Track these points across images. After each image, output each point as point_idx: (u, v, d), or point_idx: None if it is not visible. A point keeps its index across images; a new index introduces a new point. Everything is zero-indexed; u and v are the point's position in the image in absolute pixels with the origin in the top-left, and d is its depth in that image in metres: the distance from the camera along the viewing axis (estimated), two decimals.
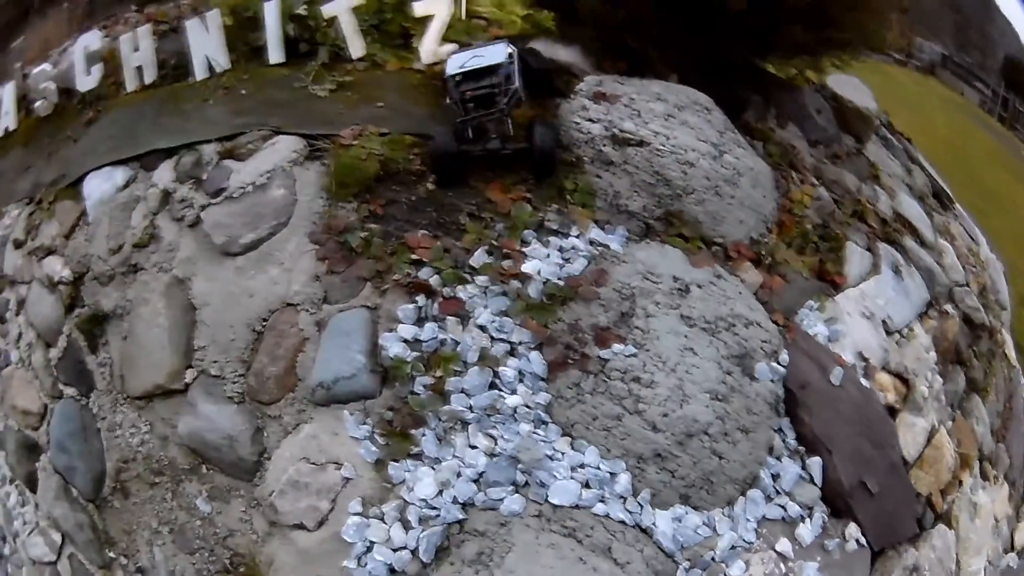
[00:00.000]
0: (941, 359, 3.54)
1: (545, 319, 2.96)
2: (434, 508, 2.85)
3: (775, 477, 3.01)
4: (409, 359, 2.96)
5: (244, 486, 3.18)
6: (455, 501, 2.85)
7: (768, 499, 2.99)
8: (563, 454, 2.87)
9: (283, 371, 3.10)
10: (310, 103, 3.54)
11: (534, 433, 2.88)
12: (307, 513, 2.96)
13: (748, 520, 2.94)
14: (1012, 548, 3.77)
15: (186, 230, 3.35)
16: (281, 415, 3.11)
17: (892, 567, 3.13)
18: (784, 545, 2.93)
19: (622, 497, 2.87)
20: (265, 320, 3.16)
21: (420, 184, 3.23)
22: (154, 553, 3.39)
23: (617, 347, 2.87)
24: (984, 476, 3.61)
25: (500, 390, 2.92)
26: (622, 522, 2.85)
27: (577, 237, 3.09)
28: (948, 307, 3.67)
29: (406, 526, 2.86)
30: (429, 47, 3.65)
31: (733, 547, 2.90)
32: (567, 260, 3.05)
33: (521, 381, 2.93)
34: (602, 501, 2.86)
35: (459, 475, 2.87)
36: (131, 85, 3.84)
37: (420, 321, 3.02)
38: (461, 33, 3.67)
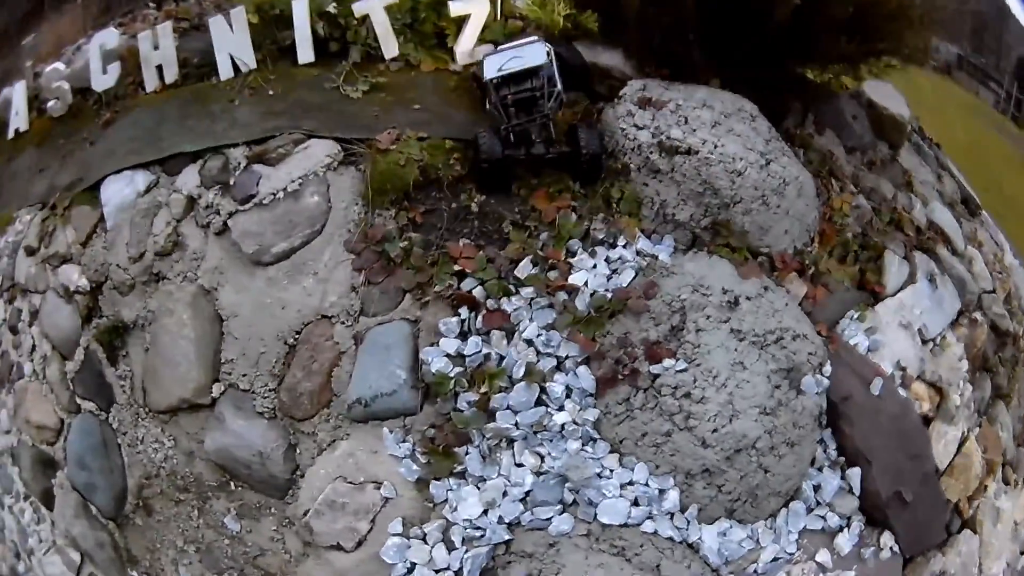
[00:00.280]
0: (970, 366, 3.44)
1: (593, 332, 2.78)
2: (479, 528, 2.69)
3: (816, 488, 2.91)
4: (452, 374, 2.77)
5: (276, 504, 2.99)
6: (501, 521, 2.69)
7: (809, 510, 2.89)
8: (612, 471, 2.71)
9: (318, 386, 2.90)
10: (343, 105, 3.31)
11: (583, 450, 2.72)
12: (344, 534, 2.78)
13: (790, 532, 2.85)
14: None
15: (213, 238, 3.11)
16: (316, 431, 2.91)
17: (920, 573, 3.06)
18: (824, 556, 2.85)
19: (670, 514, 2.73)
20: (298, 333, 2.95)
21: (461, 191, 3.03)
22: (179, 572, 3.19)
23: (668, 362, 2.70)
24: (1006, 481, 3.53)
25: (547, 406, 2.74)
26: (670, 539, 2.71)
27: (624, 247, 2.91)
28: (977, 315, 3.56)
29: (449, 547, 2.69)
30: (465, 48, 3.43)
31: (775, 559, 2.80)
32: (614, 271, 2.87)
33: (569, 397, 2.75)
34: (650, 518, 2.71)
35: (505, 494, 2.71)
36: (151, 85, 3.57)
37: (463, 335, 2.83)
38: (498, 34, 3.44)
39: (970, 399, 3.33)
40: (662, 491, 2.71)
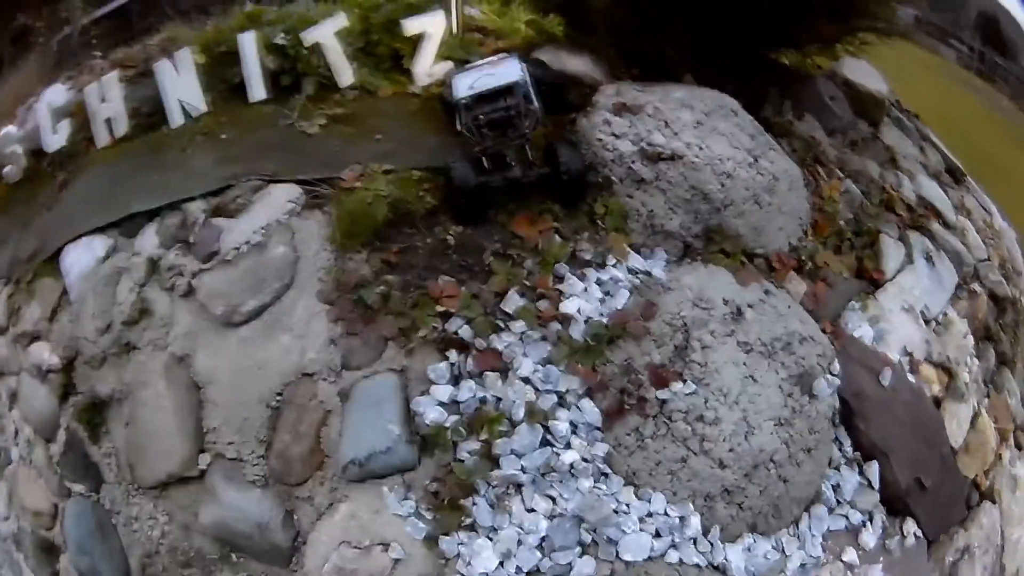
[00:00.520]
0: (973, 338, 3.25)
1: (593, 362, 2.54)
2: None
3: (836, 488, 2.72)
4: (449, 424, 2.52)
5: (282, 572, 2.73)
6: (519, 571, 2.44)
7: (830, 511, 2.70)
8: (629, 506, 2.47)
9: (308, 449, 2.63)
10: (301, 142, 3.01)
11: (596, 488, 2.48)
12: None
13: (814, 536, 2.67)
14: None
15: (179, 301, 2.81)
16: (312, 496, 2.64)
17: (945, 551, 2.91)
18: (850, 555, 2.67)
19: (693, 539, 2.51)
20: (280, 394, 2.66)
21: (436, 224, 2.76)
22: None
23: (676, 386, 2.46)
24: (1019, 446, 3.36)
25: (553, 446, 2.49)
26: (696, 565, 2.49)
27: (615, 266, 2.65)
28: (975, 286, 3.36)
29: None
30: (424, 67, 3.14)
31: (803, 565, 2.62)
32: (608, 294, 2.62)
33: (575, 433, 2.51)
34: (674, 547, 2.48)
35: (520, 543, 2.45)
36: (102, 140, 3.23)
37: (455, 380, 2.57)
38: (456, 49, 3.16)
39: (977, 373, 3.14)
40: (683, 518, 2.48)
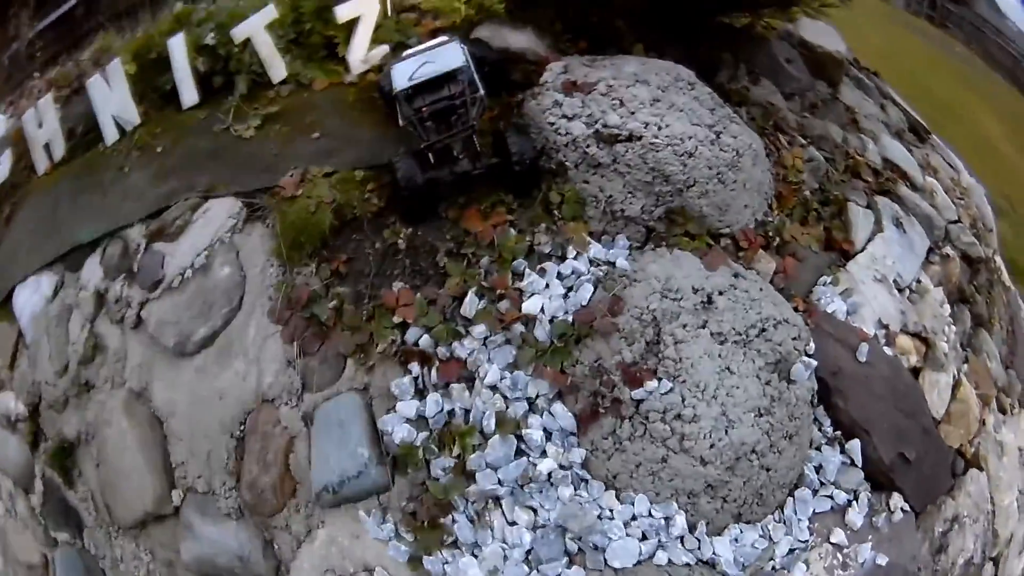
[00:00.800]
0: (948, 303, 3.04)
1: (560, 363, 2.32)
2: None
3: (818, 469, 2.55)
4: (419, 442, 2.31)
5: None
6: None
7: (815, 493, 2.53)
8: (612, 511, 2.29)
9: (278, 478, 2.41)
10: (237, 147, 2.71)
11: (577, 496, 2.30)
12: None
13: (800, 520, 2.49)
14: None
15: (130, 333, 2.56)
16: (288, 524, 2.43)
17: (933, 521, 2.76)
18: (838, 535, 2.50)
19: (680, 538, 2.35)
20: (243, 423, 2.45)
21: (384, 227, 2.49)
22: None
23: (651, 384, 2.26)
24: (1002, 409, 3.18)
25: (529, 455, 2.30)
26: (686, 564, 2.32)
27: (576, 259, 2.41)
28: (947, 249, 3.15)
29: None
30: (359, 54, 2.82)
31: (791, 550, 2.45)
32: (571, 289, 2.39)
33: (550, 441, 2.30)
34: (661, 548, 2.32)
35: (506, 558, 2.27)
36: (41, 167, 2.94)
37: (420, 393, 2.35)
38: (392, 32, 2.84)
39: (954, 340, 2.95)
40: (668, 518, 2.31)
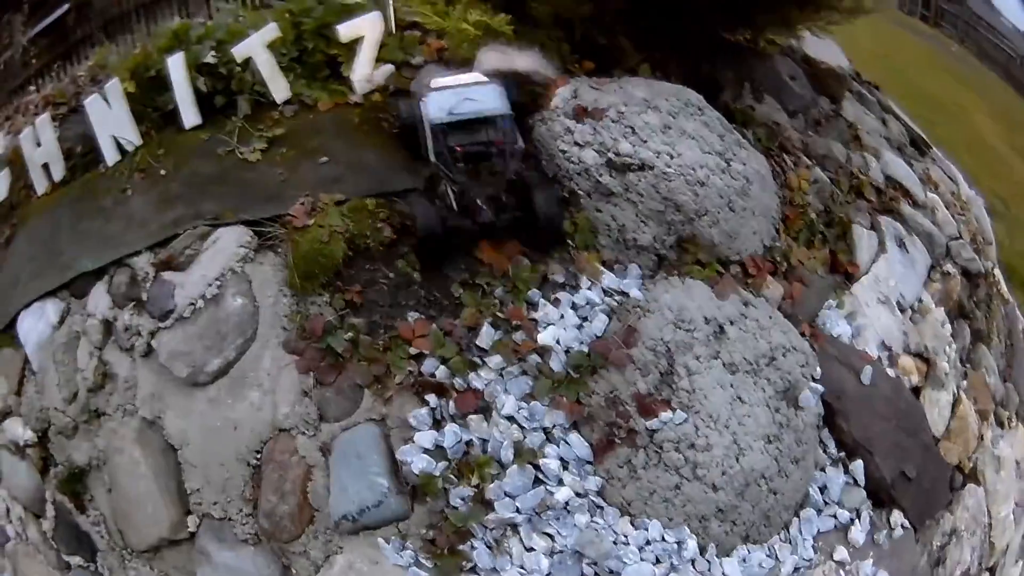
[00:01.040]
0: (948, 319, 3.09)
1: (576, 394, 2.36)
2: None
3: (823, 490, 2.62)
4: (438, 472, 2.34)
5: None
6: None
7: (819, 513, 2.60)
8: (627, 536, 2.35)
9: (296, 507, 2.42)
10: (242, 171, 2.66)
11: (593, 522, 2.35)
12: None
13: (805, 539, 2.56)
14: None
15: (141, 362, 2.53)
16: (307, 550, 2.45)
17: (932, 535, 2.84)
18: (841, 553, 2.58)
19: (691, 560, 2.41)
20: (258, 452, 2.46)
21: (397, 257, 2.49)
22: None
23: (665, 415, 2.29)
24: (1000, 423, 3.25)
25: (546, 484, 2.34)
26: None
27: (589, 288, 2.43)
28: (948, 266, 3.19)
29: None
30: (363, 73, 2.78)
31: (796, 569, 2.52)
32: (585, 319, 2.42)
33: (566, 469, 2.34)
34: (674, 570, 2.39)
35: None
36: (41, 187, 2.87)
37: (437, 424, 2.37)
38: (396, 51, 2.80)
39: (955, 358, 3.01)
40: (680, 542, 2.36)
